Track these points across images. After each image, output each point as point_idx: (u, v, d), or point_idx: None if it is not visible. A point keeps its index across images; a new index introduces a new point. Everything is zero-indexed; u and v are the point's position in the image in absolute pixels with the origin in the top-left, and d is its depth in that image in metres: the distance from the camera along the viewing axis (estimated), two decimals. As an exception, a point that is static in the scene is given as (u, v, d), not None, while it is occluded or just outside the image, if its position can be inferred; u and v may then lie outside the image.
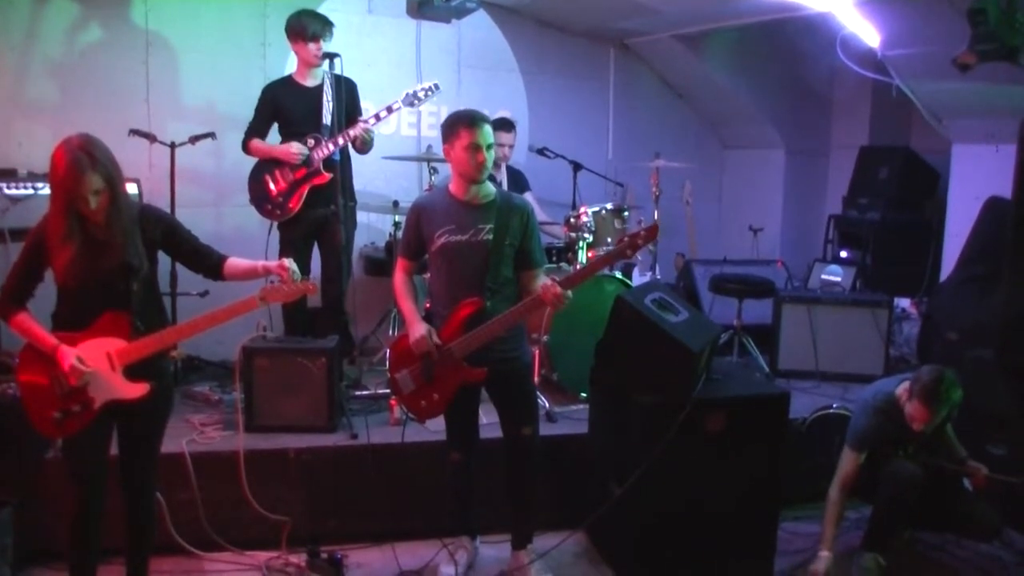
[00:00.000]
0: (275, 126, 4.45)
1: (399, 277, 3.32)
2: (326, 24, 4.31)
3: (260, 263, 2.83)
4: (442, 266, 3.19)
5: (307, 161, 4.25)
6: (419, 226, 3.22)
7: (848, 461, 3.50)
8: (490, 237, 3.13)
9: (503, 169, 5.38)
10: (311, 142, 4.26)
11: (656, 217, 5.30)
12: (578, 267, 4.51)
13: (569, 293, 3.00)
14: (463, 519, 3.50)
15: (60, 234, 2.53)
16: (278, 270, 2.76)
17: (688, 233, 6.10)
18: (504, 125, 5.27)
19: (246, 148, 4.41)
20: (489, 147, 3.09)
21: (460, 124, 3.08)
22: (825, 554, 3.43)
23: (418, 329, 3.14)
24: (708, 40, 6.09)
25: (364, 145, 4.33)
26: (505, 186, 5.15)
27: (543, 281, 3.11)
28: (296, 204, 4.30)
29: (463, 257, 3.14)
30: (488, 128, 3.10)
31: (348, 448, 3.68)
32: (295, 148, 4.25)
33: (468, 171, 3.10)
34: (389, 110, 4.23)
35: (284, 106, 4.37)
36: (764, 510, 3.46)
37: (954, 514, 3.59)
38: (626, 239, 3.06)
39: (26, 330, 2.65)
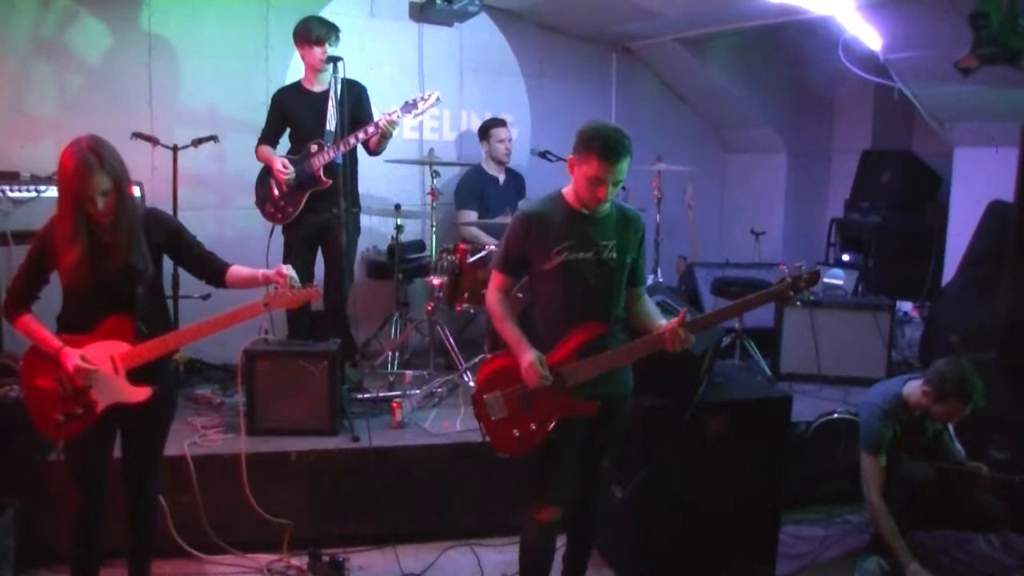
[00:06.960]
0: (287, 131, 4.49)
1: (495, 297, 2.86)
2: (331, 29, 4.33)
3: (260, 271, 2.82)
4: (558, 285, 2.78)
5: (297, 177, 4.28)
6: (529, 238, 2.77)
7: (872, 467, 3.47)
8: (614, 255, 2.78)
9: (504, 169, 5.43)
10: (314, 148, 4.27)
11: (658, 220, 5.32)
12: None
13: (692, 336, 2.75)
14: None
15: (66, 234, 2.53)
16: (276, 277, 2.74)
17: (690, 236, 6.11)
18: (501, 123, 5.38)
19: (256, 152, 4.47)
20: (616, 184, 2.68)
21: (594, 151, 2.63)
22: (914, 566, 3.33)
23: (528, 356, 2.71)
24: (710, 43, 6.09)
25: (379, 143, 4.35)
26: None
27: (651, 309, 2.90)
28: (295, 208, 4.34)
29: (586, 277, 2.76)
30: (623, 165, 2.65)
31: (350, 451, 3.68)
32: (279, 166, 4.28)
33: (583, 199, 2.73)
34: (390, 122, 4.22)
35: (292, 112, 4.42)
36: (766, 513, 3.46)
37: (958, 510, 3.58)
38: (787, 280, 2.70)
39: (31, 332, 2.66)
